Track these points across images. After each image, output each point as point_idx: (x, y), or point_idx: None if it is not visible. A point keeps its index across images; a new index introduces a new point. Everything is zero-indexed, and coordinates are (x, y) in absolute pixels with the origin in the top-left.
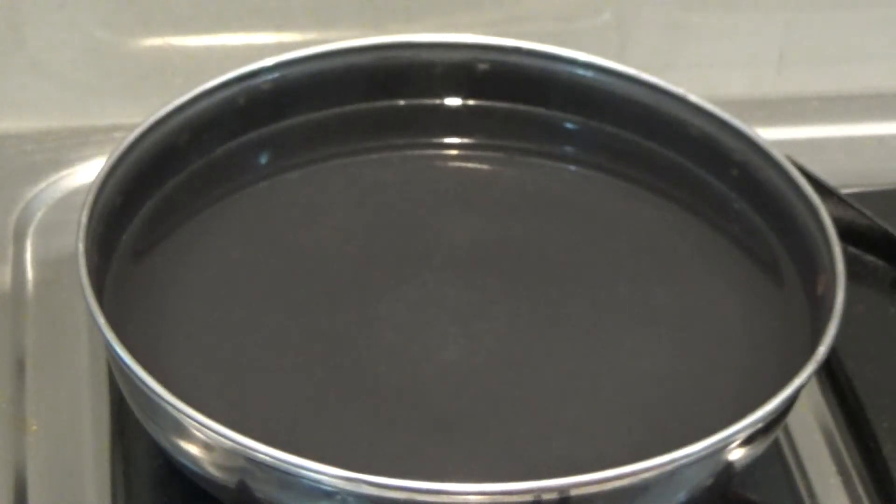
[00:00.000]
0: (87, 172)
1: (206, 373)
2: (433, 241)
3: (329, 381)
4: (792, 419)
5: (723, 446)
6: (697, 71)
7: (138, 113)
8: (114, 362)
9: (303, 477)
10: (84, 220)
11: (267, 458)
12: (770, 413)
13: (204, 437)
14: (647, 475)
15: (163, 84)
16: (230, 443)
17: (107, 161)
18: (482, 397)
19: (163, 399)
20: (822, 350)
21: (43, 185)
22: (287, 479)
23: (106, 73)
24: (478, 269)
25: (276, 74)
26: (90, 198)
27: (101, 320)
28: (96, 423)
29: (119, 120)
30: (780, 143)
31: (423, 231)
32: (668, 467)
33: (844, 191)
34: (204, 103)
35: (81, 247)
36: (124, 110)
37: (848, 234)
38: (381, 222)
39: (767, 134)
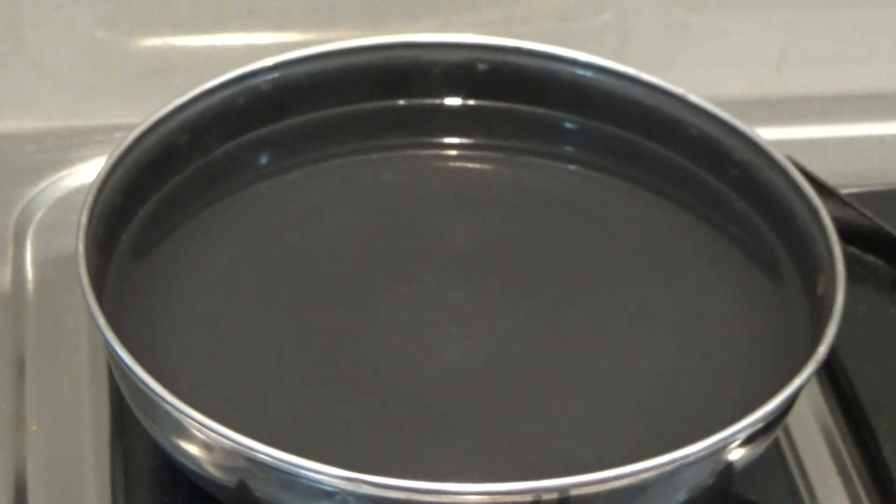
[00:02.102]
0: (87, 172)
1: (206, 373)
2: (433, 240)
3: (329, 381)
4: (792, 419)
5: (723, 446)
6: (697, 71)
7: (138, 113)
8: (114, 362)
9: (303, 477)
10: (84, 220)
11: (267, 458)
12: (770, 413)
13: (204, 437)
14: (646, 475)
15: (162, 84)
16: (230, 443)
17: (107, 161)
18: (482, 397)
19: (163, 399)
20: (821, 350)
21: (43, 185)
22: (287, 479)
23: (106, 73)
24: (478, 268)
25: (275, 74)
26: (90, 198)
27: (101, 320)
28: (96, 423)
29: (119, 120)
30: (780, 143)
31: (424, 231)
32: (668, 467)
33: (844, 191)
34: (204, 103)
35: (81, 247)
36: (124, 110)
37: (848, 234)
38: (382, 222)
39: (767, 134)
